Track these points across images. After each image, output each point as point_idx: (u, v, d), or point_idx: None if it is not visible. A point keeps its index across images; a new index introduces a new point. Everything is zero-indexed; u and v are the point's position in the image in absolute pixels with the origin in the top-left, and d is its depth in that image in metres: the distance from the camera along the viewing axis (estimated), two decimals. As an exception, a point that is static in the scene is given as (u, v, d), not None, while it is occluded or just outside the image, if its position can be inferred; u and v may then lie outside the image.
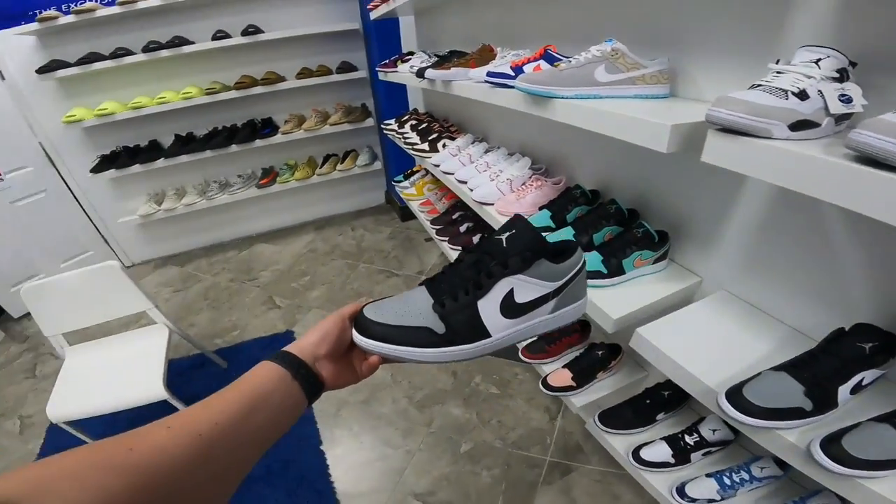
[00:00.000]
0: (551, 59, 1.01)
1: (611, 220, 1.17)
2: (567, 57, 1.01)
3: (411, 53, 2.19)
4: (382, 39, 2.69)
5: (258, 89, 2.79)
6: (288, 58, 2.90)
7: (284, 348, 0.50)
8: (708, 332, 0.91)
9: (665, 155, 0.72)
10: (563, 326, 0.58)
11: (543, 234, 1.19)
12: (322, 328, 0.52)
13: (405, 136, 2.20)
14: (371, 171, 3.36)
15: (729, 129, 0.60)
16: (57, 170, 2.89)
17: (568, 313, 0.57)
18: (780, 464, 0.99)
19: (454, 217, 2.12)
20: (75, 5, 2.49)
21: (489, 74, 1.11)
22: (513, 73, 1.05)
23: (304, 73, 2.86)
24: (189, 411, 0.40)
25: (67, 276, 1.57)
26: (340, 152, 3.36)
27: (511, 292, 0.52)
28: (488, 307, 0.52)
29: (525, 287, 0.52)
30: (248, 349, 2.23)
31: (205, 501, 0.38)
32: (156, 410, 1.55)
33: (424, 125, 2.21)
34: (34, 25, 2.34)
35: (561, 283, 0.54)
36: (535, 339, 1.58)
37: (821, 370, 0.68)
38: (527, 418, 1.68)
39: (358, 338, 0.52)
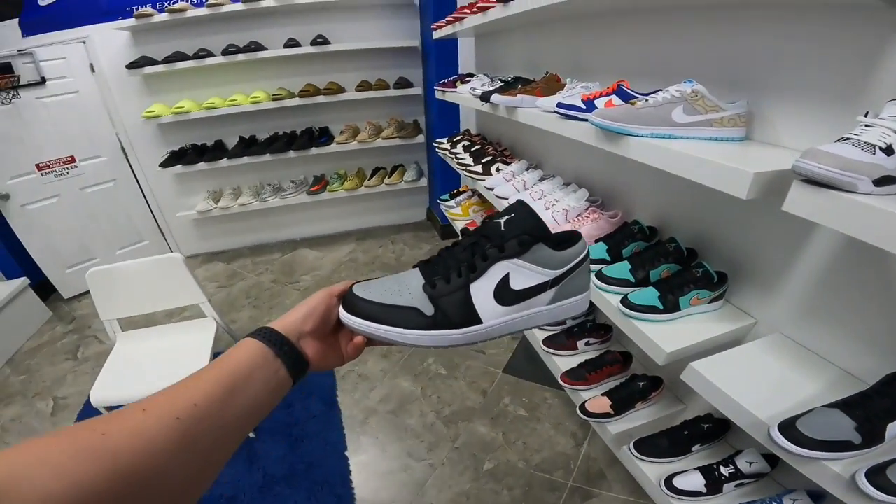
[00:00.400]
0: (625, 96, 1.03)
1: (669, 258, 1.17)
2: (640, 94, 1.03)
3: (471, 75, 2.25)
4: (441, 59, 2.77)
5: (320, 98, 2.92)
6: (349, 70, 3.02)
7: (268, 324, 0.48)
8: (760, 371, 0.92)
9: (730, 197, 0.72)
10: (563, 320, 0.56)
11: (599, 266, 1.23)
12: (309, 304, 0.50)
13: (458, 156, 2.24)
14: (416, 187, 3.42)
15: (814, 181, 0.60)
16: (129, 161, 3.09)
17: (568, 307, 0.53)
18: (814, 497, 0.98)
19: (500, 240, 2.13)
20: (169, 4, 2.70)
21: (560, 105, 1.13)
22: (584, 107, 1.07)
23: (364, 86, 2.97)
24: (166, 393, 0.38)
25: (132, 263, 1.66)
26: (389, 166, 3.45)
27: (507, 277, 0.50)
28: (481, 292, 0.50)
29: (521, 273, 0.50)
30: None
31: (186, 485, 0.36)
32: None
33: (478, 147, 2.24)
34: (130, 21, 2.53)
35: (561, 272, 0.51)
36: (575, 366, 1.58)
37: (873, 409, 0.71)
38: (552, 442, 1.68)
39: (344, 315, 0.50)
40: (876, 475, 0.65)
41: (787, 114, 0.90)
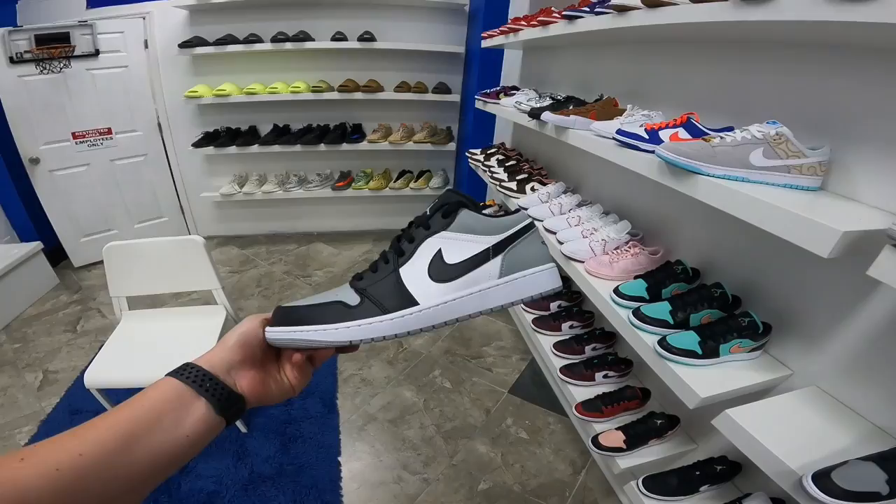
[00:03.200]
0: (695, 131, 0.97)
1: (713, 304, 1.11)
2: (711, 129, 0.96)
3: (516, 88, 2.20)
4: (484, 68, 2.73)
5: (358, 95, 2.90)
6: (390, 69, 3.01)
7: (193, 360, 0.44)
8: (793, 421, 0.88)
9: (786, 246, 0.68)
10: (536, 298, 0.48)
11: (638, 304, 1.16)
12: (236, 331, 0.46)
13: (491, 170, 2.18)
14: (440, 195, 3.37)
15: None
16: (162, 138, 3.10)
17: (529, 281, 0.47)
18: None
19: (522, 260, 2.07)
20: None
21: (620, 132, 1.07)
22: (647, 136, 1.01)
23: (402, 87, 2.94)
24: (52, 441, 0.35)
25: (152, 241, 1.62)
26: (416, 170, 3.42)
27: (439, 253, 0.46)
28: (413, 272, 0.46)
29: (453, 244, 0.46)
30: None
31: None
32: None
33: (513, 163, 2.19)
34: (191, 0, 2.55)
35: (500, 237, 0.47)
36: (591, 398, 1.52)
37: None
38: (551, 468, 1.64)
39: (268, 331, 0.46)
40: (821, 478, 0.68)
41: (869, 167, 0.82)
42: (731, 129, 0.91)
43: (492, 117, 2.86)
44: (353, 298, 0.46)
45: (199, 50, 2.68)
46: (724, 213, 0.79)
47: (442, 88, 2.99)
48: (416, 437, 1.76)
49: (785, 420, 0.89)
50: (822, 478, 0.70)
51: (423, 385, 2.03)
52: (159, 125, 3.05)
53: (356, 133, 3.12)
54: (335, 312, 0.45)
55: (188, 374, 0.42)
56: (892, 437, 0.83)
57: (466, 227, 0.47)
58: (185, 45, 2.66)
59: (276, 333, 0.45)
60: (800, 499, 0.72)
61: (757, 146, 0.81)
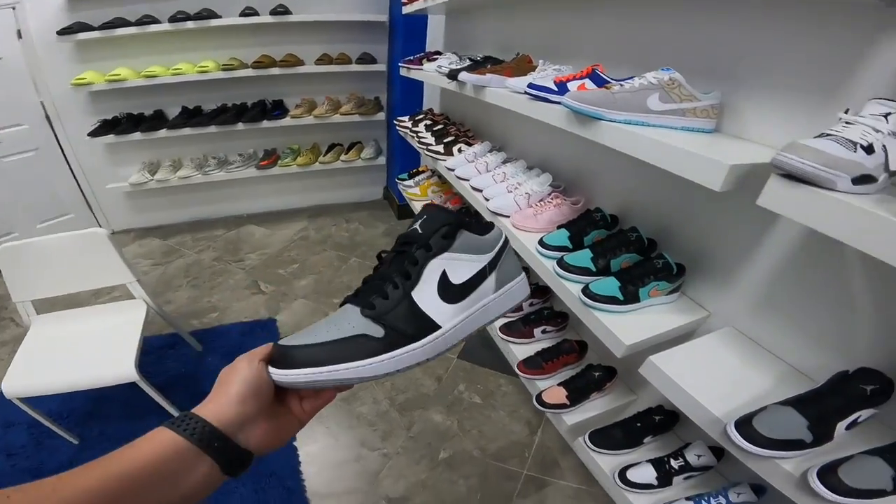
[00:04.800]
0: (599, 81, 1.00)
1: (630, 248, 1.17)
2: (615, 79, 1.00)
3: (439, 53, 2.17)
4: (408, 35, 2.67)
5: (275, 70, 2.74)
6: (310, 42, 2.85)
7: (196, 410, 0.38)
8: (714, 365, 0.94)
9: (695, 189, 0.72)
10: (514, 307, 0.54)
11: (561, 254, 1.21)
12: (234, 380, 0.40)
13: (419, 135, 2.16)
14: (373, 165, 3.32)
15: (792, 176, 0.59)
16: (53, 130, 2.78)
17: (513, 291, 0.53)
18: (756, 490, 1.02)
19: (458, 220, 2.09)
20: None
21: (531, 86, 1.08)
22: (556, 89, 1.03)
23: (324, 60, 2.82)
24: (35, 488, 0.31)
25: (49, 238, 1.48)
26: (346, 143, 3.32)
27: (444, 274, 0.47)
28: (426, 296, 0.46)
29: (457, 265, 0.48)
30: (227, 333, 2.14)
31: None
32: (123, 392, 1.48)
33: (440, 126, 2.18)
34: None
35: (492, 255, 0.50)
36: (532, 354, 1.58)
37: (825, 407, 0.72)
38: (507, 431, 1.67)
39: (277, 374, 0.41)
40: (827, 475, 0.65)
41: (757, 108, 0.89)
42: (632, 78, 0.95)
43: (419, 84, 2.83)
44: (375, 330, 0.44)
45: (83, 36, 2.39)
46: (638, 161, 0.82)
47: (366, 59, 2.90)
48: (371, 412, 1.75)
49: (706, 364, 0.94)
50: (744, 425, 0.73)
51: (370, 360, 2.03)
52: (47, 117, 2.73)
53: (277, 109, 2.96)
54: (363, 347, 0.43)
55: (192, 428, 0.36)
56: (807, 378, 0.90)
57: (466, 248, 0.48)
58: (64, 31, 2.36)
59: (296, 376, 0.41)
60: (728, 447, 0.76)
61: (653, 91, 0.85)
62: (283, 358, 0.42)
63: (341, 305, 0.48)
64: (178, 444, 0.36)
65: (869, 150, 0.59)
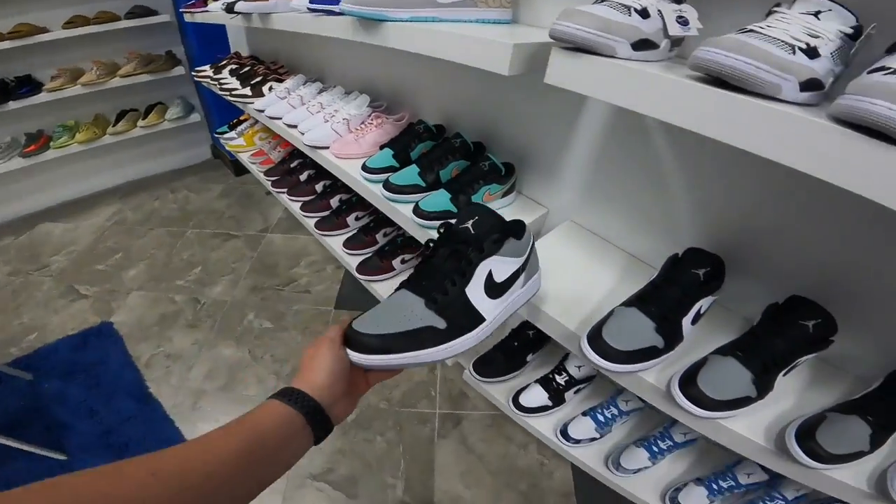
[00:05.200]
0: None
1: (456, 155, 1.11)
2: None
3: (222, -13, 1.81)
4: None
5: (5, 44, 2.10)
6: (50, 7, 2.25)
7: (298, 387, 0.45)
8: (559, 267, 0.89)
9: (509, 84, 0.67)
10: (530, 298, 0.65)
11: (387, 175, 1.10)
12: (325, 367, 0.46)
13: (221, 82, 1.85)
14: (188, 124, 2.84)
15: (573, 47, 0.55)
16: None
17: (532, 284, 0.64)
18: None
19: (292, 166, 1.87)
20: None
21: (312, 1, 0.93)
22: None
23: (76, 22, 2.25)
24: (182, 453, 0.36)
25: None
26: (142, 107, 2.77)
27: (490, 274, 0.55)
28: (476, 292, 0.54)
29: (502, 266, 0.57)
30: (56, 352, 1.77)
31: None
32: None
33: (247, 69, 1.88)
34: None
35: (526, 256, 0.59)
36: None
37: (665, 303, 0.69)
38: (408, 373, 1.61)
39: (359, 357, 0.49)
40: (688, 386, 0.62)
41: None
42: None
43: (221, 29, 2.46)
44: (439, 322, 0.52)
45: None
46: (454, 65, 0.71)
47: (140, 12, 2.39)
48: (259, 393, 1.59)
49: (550, 267, 0.86)
50: (596, 339, 0.67)
51: (240, 335, 1.81)
52: None
53: (25, 86, 2.31)
54: (431, 337, 0.51)
55: (301, 402, 0.43)
56: (644, 264, 0.91)
57: (510, 252, 0.58)
58: None
59: (376, 361, 0.49)
60: (587, 364, 0.72)
61: (437, -19, 0.73)
62: (360, 343, 0.49)
63: (397, 290, 0.56)
64: (292, 416, 0.42)
65: (644, 13, 0.56)
